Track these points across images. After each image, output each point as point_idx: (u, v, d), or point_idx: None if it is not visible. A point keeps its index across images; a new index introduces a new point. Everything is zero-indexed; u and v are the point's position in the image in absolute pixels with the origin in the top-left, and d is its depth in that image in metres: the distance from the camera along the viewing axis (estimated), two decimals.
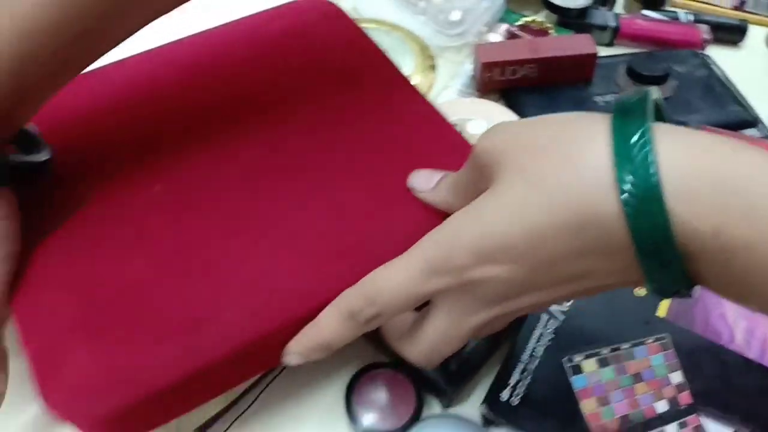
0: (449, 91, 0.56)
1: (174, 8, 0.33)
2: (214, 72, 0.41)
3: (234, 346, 0.29)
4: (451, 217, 0.28)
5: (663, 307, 0.39)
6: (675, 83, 0.54)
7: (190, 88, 0.40)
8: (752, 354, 0.37)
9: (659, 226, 0.23)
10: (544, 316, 0.39)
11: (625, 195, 0.23)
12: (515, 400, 0.36)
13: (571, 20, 0.61)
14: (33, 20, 0.28)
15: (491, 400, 0.36)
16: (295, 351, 0.31)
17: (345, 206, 0.34)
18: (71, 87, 0.32)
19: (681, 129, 0.24)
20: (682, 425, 0.35)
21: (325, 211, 0.34)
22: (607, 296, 0.39)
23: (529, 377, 0.37)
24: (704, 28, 0.61)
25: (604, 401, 0.36)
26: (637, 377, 0.37)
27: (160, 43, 0.43)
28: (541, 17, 0.62)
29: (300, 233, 0.33)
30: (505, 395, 0.36)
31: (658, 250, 0.23)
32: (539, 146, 0.26)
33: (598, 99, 0.54)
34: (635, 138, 0.23)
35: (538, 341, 0.38)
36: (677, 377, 0.37)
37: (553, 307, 0.40)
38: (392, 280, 0.28)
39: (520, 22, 0.61)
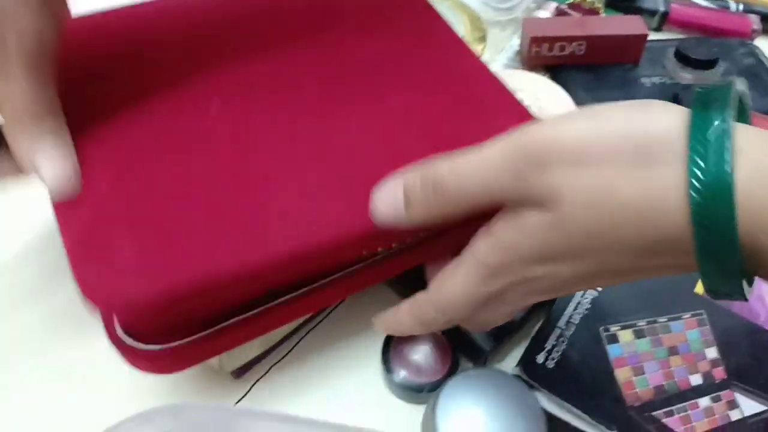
0: (495, 65, 0.56)
1: None
2: None
3: (282, 257, 0.28)
4: (499, 225, 0.27)
5: (701, 284, 0.40)
6: (722, 69, 0.54)
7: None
8: None
9: (724, 219, 0.22)
10: None
11: (694, 186, 0.22)
12: (550, 364, 0.37)
13: (621, 2, 0.61)
14: None
15: (526, 362, 0.37)
16: (378, 327, 0.33)
17: (397, 147, 0.33)
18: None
19: (760, 130, 0.23)
20: (716, 399, 0.35)
21: (381, 145, 0.33)
22: None
23: (565, 343, 0.37)
24: (754, 18, 0.61)
25: (638, 371, 0.36)
26: (673, 350, 0.37)
27: None
28: None
29: (357, 159, 0.32)
30: (540, 359, 0.37)
31: (719, 247, 0.22)
32: (606, 153, 0.24)
33: (645, 80, 0.54)
34: (712, 132, 0.22)
35: (575, 309, 0.39)
36: (712, 353, 0.37)
37: None
38: (456, 291, 0.29)
39: (569, 1, 0.61)
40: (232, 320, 0.31)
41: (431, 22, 0.42)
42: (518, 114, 0.36)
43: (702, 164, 0.22)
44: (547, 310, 0.39)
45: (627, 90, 0.53)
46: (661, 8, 0.60)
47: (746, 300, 0.24)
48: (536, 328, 0.39)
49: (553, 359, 0.37)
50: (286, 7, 0.41)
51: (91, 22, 0.39)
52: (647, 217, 0.24)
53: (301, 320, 0.40)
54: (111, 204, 0.30)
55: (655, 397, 0.35)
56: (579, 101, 0.50)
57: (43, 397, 0.38)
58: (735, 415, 0.35)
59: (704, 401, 0.35)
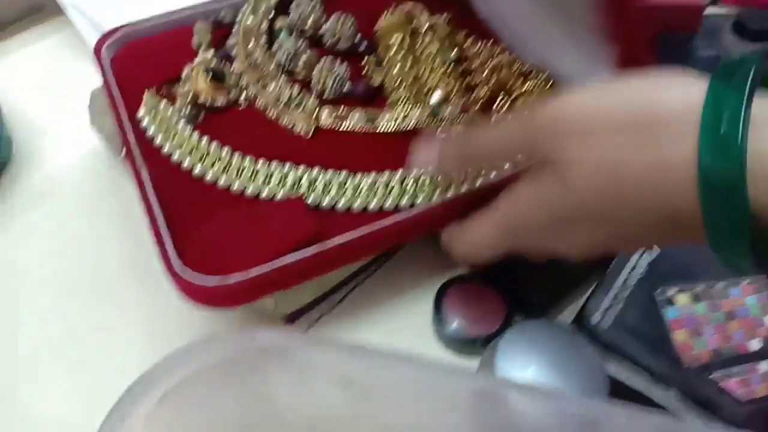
0: None
1: None
2: None
3: None
4: (526, 183, 0.29)
5: None
6: None
7: None
8: None
9: (734, 188, 0.22)
10: None
11: (704, 158, 0.22)
12: (605, 324, 0.36)
13: None
14: None
15: (581, 320, 0.37)
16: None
17: None
18: None
19: None
20: None
21: None
22: None
23: (621, 304, 0.37)
24: None
25: (696, 333, 0.36)
26: (730, 315, 0.36)
27: None
28: None
29: None
30: (595, 318, 0.37)
31: (728, 214, 0.22)
32: (615, 124, 0.25)
33: (701, 53, 0.53)
34: (728, 103, 0.22)
35: (631, 271, 0.38)
36: None
37: None
38: (472, 239, 0.32)
39: None
40: (291, 257, 0.32)
41: None
42: None
43: (714, 135, 0.22)
44: (603, 269, 0.39)
45: (682, 63, 0.52)
46: None
47: (753, 273, 0.24)
48: (592, 287, 0.39)
49: (608, 319, 0.37)
50: None
51: None
52: (657, 187, 0.24)
53: (354, 268, 0.40)
54: None
55: (713, 359, 0.35)
56: None
57: (96, 339, 0.40)
58: None
59: (764, 365, 0.35)
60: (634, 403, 0.24)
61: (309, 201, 0.36)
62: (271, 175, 0.37)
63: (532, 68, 0.44)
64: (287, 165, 0.38)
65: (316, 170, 0.38)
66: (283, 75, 0.42)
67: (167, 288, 0.36)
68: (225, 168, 0.37)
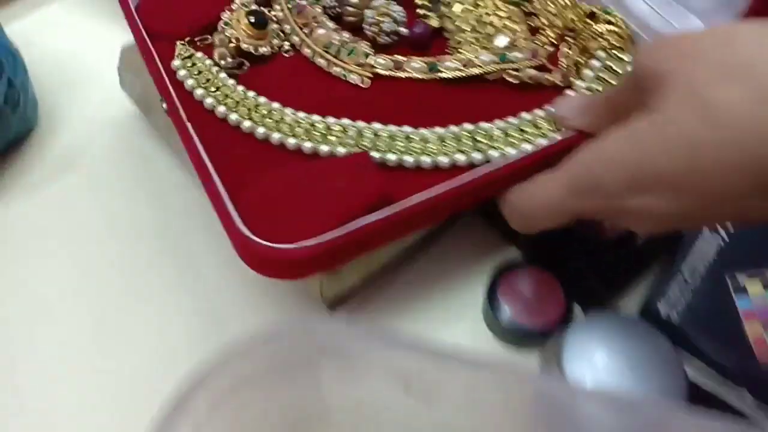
0: None
1: None
2: None
3: None
4: (604, 136, 0.26)
5: None
6: None
7: None
8: None
9: None
10: (706, 229, 0.36)
11: None
12: (673, 314, 0.33)
13: None
14: None
15: (648, 311, 0.34)
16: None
17: None
18: None
19: None
20: None
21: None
22: None
23: (689, 292, 0.34)
24: None
25: None
26: None
27: None
28: None
29: None
30: (662, 309, 0.34)
31: None
32: (713, 65, 0.23)
33: None
34: None
35: (699, 255, 0.35)
36: None
37: None
38: (536, 198, 0.29)
39: None
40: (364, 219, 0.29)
41: None
42: None
43: None
44: (667, 254, 0.36)
45: None
46: None
47: None
48: (656, 274, 0.36)
49: (675, 309, 0.34)
50: None
51: None
52: (762, 144, 0.21)
53: (401, 249, 0.37)
54: None
55: None
56: None
57: (132, 325, 0.36)
58: None
59: None
60: (709, 407, 0.21)
61: (374, 157, 0.33)
62: (329, 129, 0.34)
63: (599, 9, 0.40)
64: (344, 119, 0.34)
65: (377, 124, 0.34)
66: (330, 20, 0.38)
67: (209, 268, 0.33)
68: (278, 123, 0.34)
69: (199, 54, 0.36)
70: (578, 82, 0.37)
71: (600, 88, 0.37)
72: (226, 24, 0.37)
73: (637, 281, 0.38)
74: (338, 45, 0.37)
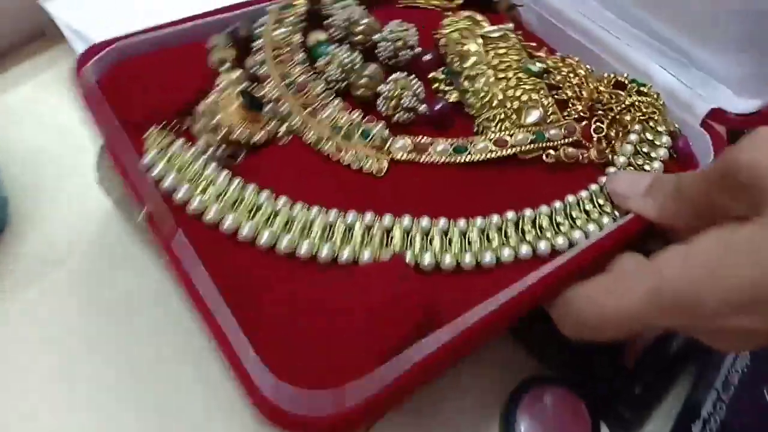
0: None
1: None
2: None
3: None
4: (701, 243, 0.22)
5: None
6: None
7: None
8: None
9: None
10: None
11: None
12: None
13: None
14: None
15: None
16: None
17: None
18: None
19: None
20: None
21: None
22: None
23: (724, 409, 0.30)
24: None
25: None
26: None
27: None
28: None
29: None
30: (696, 429, 0.29)
31: None
32: None
33: None
34: None
35: (732, 365, 0.31)
36: None
37: None
38: (609, 307, 0.24)
39: None
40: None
41: None
42: None
43: None
44: (698, 366, 0.32)
45: None
46: None
47: None
48: (688, 389, 0.32)
49: (711, 430, 0.29)
50: None
51: None
52: None
53: None
54: None
55: None
56: None
57: None
58: None
59: None
60: None
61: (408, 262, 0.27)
62: (349, 229, 0.28)
63: (625, 78, 0.36)
64: (367, 213, 0.28)
65: (407, 218, 0.28)
66: (336, 98, 0.32)
67: (209, 401, 0.26)
68: (287, 225, 0.27)
69: (180, 142, 0.30)
70: (618, 158, 0.33)
71: (640, 163, 0.33)
72: (211, 106, 0.31)
73: (667, 397, 0.33)
74: (347, 127, 0.31)
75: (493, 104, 0.33)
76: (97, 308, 0.35)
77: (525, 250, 0.29)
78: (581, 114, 0.34)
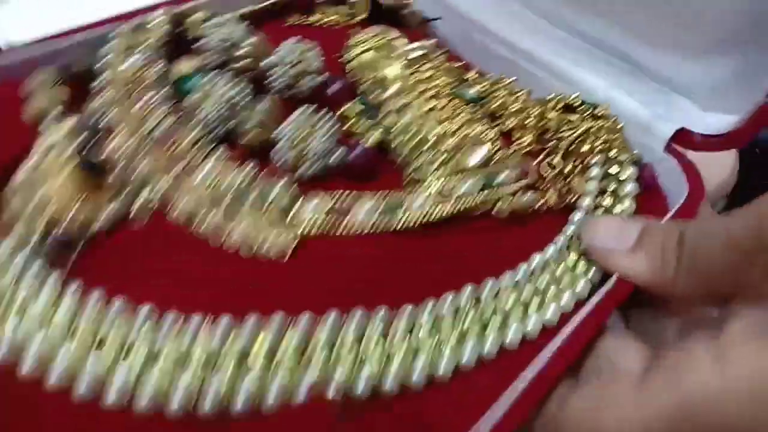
0: None
1: None
2: None
3: None
4: (741, 349, 0.17)
5: None
6: None
7: None
8: None
9: None
10: None
11: None
12: None
13: None
14: None
15: None
16: None
17: None
18: None
19: None
20: None
21: None
22: None
23: None
24: None
25: None
26: None
27: None
28: None
29: None
30: None
31: None
32: None
33: None
34: None
35: None
36: None
37: None
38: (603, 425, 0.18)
39: None
40: None
41: None
42: None
43: None
44: None
45: None
46: None
47: None
48: None
49: None
50: None
51: None
52: None
53: None
54: None
55: None
56: None
57: None
58: None
59: None
60: None
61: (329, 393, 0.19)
62: (245, 357, 0.19)
63: (575, 100, 0.30)
64: (272, 324, 0.20)
65: (329, 322, 0.20)
66: (217, 148, 0.24)
67: None
68: (147, 363, 0.18)
69: None
70: (582, 200, 0.26)
71: (608, 204, 0.27)
72: (31, 178, 0.21)
73: None
74: (234, 190, 0.22)
75: (427, 144, 0.25)
76: None
77: (490, 344, 0.21)
78: (529, 148, 0.28)
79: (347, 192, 0.23)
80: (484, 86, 0.29)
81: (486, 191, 0.24)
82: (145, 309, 0.19)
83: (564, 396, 0.19)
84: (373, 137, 0.26)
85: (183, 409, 0.17)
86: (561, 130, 0.29)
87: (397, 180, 0.25)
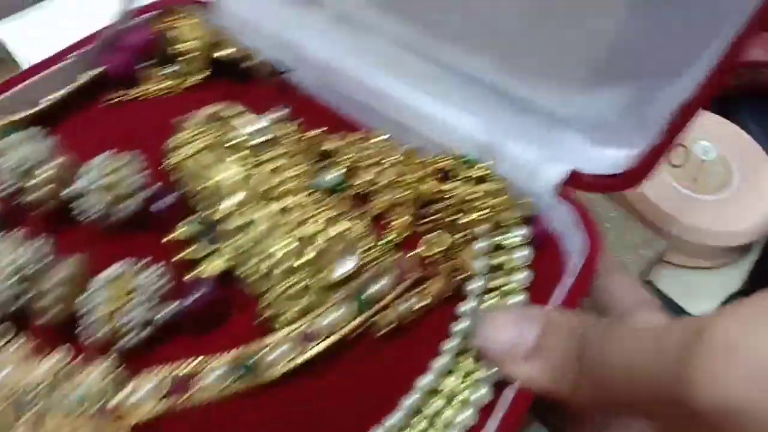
0: None
1: None
2: None
3: None
4: None
5: None
6: None
7: None
8: None
9: None
10: None
11: None
12: None
13: None
14: None
15: None
16: None
17: None
18: None
19: None
20: None
21: None
22: None
23: None
24: None
25: None
26: None
27: None
28: None
29: None
30: None
31: None
32: None
33: None
34: None
35: None
36: None
37: None
38: None
39: None
40: None
41: None
42: None
43: None
44: None
45: None
46: None
47: None
48: None
49: None
50: None
51: None
52: None
53: None
54: None
55: None
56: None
57: None
58: None
59: None
60: None
61: None
62: None
63: (450, 159, 0.26)
64: None
65: None
66: (9, 331, 0.19)
67: None
68: None
69: None
70: (470, 285, 0.23)
71: (500, 285, 0.24)
72: None
73: None
74: (47, 387, 0.18)
75: (282, 266, 0.21)
76: None
77: None
78: (407, 232, 0.24)
79: (186, 361, 0.19)
80: (348, 158, 0.25)
81: (357, 319, 0.20)
82: None
83: None
84: (213, 267, 0.21)
85: None
86: (440, 200, 0.25)
87: (249, 320, 0.21)
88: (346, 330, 0.20)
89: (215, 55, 0.29)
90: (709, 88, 0.23)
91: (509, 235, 0.25)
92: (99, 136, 0.24)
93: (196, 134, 0.23)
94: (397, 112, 0.29)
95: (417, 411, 0.20)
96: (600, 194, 0.39)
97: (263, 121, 0.24)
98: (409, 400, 0.20)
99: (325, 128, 0.26)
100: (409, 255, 0.22)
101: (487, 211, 0.25)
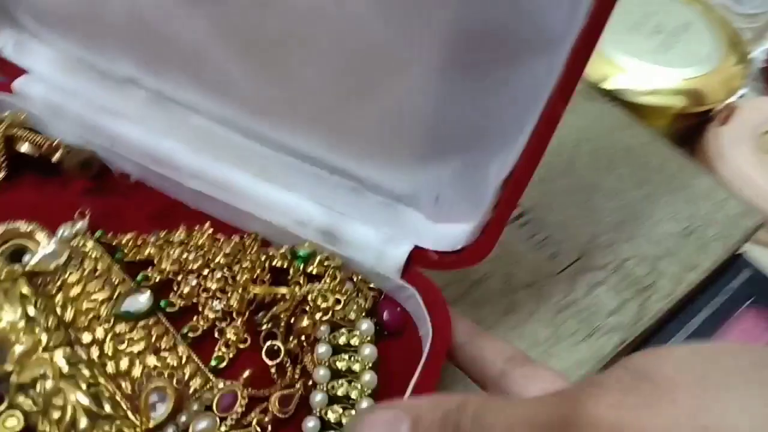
0: None
1: None
2: None
3: None
4: None
5: None
6: None
7: None
8: None
9: None
10: None
11: None
12: None
13: None
14: None
15: None
16: None
17: None
18: None
19: None
20: None
21: None
22: None
23: None
24: None
25: None
26: None
27: None
28: None
29: None
30: None
31: None
32: None
33: None
34: None
35: None
36: None
37: None
38: None
39: None
40: None
41: None
42: None
43: None
44: None
45: None
46: None
47: None
48: None
49: None
50: None
51: None
52: None
53: None
54: None
55: None
56: None
57: None
58: None
59: None
60: None
61: None
62: None
63: (283, 255, 0.24)
64: None
65: None
66: None
67: None
68: None
69: None
70: (314, 396, 0.22)
71: (345, 393, 0.22)
72: None
73: None
74: None
75: (82, 423, 0.18)
76: None
77: None
78: (242, 345, 0.22)
79: None
80: (163, 270, 0.23)
81: None
82: None
83: None
84: (15, 425, 0.18)
85: None
86: (275, 302, 0.23)
87: None
88: None
89: (19, 149, 0.26)
90: (533, 159, 0.22)
91: (352, 331, 0.23)
92: None
93: None
94: (232, 197, 0.27)
95: None
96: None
97: (52, 245, 0.21)
98: None
99: (137, 233, 0.24)
100: (228, 388, 0.20)
101: (327, 305, 0.23)
